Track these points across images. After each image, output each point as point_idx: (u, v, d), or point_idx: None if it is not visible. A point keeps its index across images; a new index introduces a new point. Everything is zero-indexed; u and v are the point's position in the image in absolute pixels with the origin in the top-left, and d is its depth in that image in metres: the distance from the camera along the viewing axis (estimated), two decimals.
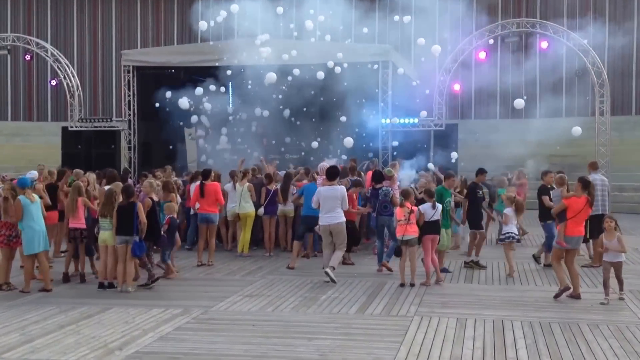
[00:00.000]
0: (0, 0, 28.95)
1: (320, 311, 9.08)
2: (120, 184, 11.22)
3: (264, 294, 10.15)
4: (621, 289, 9.51)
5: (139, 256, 10.46)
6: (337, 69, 16.25)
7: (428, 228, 10.72)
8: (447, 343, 7.48)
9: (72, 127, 19.87)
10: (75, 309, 9.05)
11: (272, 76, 15.22)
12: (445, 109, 18.96)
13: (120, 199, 10.54)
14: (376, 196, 11.79)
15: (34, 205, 10.36)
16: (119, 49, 21.70)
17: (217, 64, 17.12)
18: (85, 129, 19.78)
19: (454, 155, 16.69)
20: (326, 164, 13.22)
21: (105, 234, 10.57)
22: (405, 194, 10.76)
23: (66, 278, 11.15)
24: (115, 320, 8.51)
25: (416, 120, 18.22)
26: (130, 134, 19.60)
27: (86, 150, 19.68)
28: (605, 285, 9.40)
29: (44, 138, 26.80)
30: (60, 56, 20.04)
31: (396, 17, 17.95)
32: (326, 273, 10.74)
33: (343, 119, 16.96)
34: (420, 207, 10.79)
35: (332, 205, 10.86)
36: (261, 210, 13.30)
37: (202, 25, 16.82)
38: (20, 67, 28.55)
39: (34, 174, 12.85)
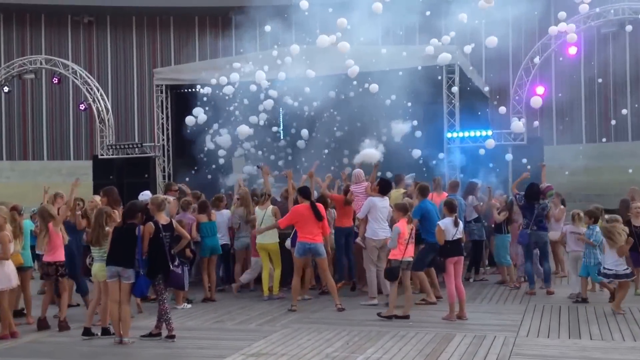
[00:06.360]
0: (32, 24, 27.80)
1: None
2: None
3: (277, 352, 7.01)
4: None
5: (141, 297, 8.14)
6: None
7: (451, 249, 8.50)
8: None
9: (102, 155, 17.57)
10: None
11: (244, 130, 13.43)
12: (526, 121, 15.28)
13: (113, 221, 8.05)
14: (531, 210, 10.02)
15: None
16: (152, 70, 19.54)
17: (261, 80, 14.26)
18: (116, 156, 17.40)
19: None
20: (359, 170, 10.61)
21: (96, 267, 8.03)
22: (402, 208, 8.82)
23: (42, 324, 8.52)
24: None
25: (490, 133, 14.64)
26: (164, 161, 17.08)
27: (118, 180, 17.23)
28: None
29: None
30: (89, 78, 17.91)
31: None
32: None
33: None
34: (439, 222, 8.66)
35: (384, 217, 9.62)
36: (288, 241, 10.07)
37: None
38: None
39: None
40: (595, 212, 9.55)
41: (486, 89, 17.96)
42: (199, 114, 14.08)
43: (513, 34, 17.04)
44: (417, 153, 13.83)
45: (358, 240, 9.73)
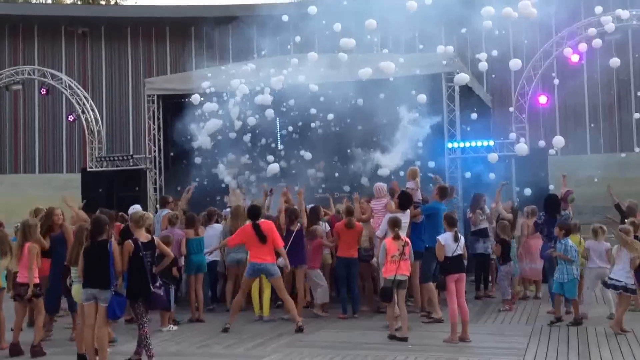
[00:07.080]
0: (25, 35, 27.52)
1: None
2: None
3: None
4: None
5: (114, 319, 7.38)
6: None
7: (451, 265, 7.99)
8: None
9: (90, 167, 17.06)
10: None
11: (274, 168, 13.10)
12: (528, 129, 14.78)
13: None
14: (554, 223, 9.43)
15: None
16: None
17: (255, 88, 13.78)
18: (106, 169, 16.88)
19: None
20: (381, 184, 10.07)
21: (75, 288, 7.57)
22: (391, 223, 8.30)
23: (15, 349, 7.95)
24: None
25: (491, 143, 14.11)
26: (155, 174, 16.57)
27: (108, 193, 16.72)
28: None
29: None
30: (78, 88, 17.44)
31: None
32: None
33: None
34: (439, 237, 8.17)
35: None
36: (281, 259, 9.33)
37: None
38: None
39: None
40: (568, 225, 9.11)
41: (488, 97, 17.52)
42: (211, 109, 13.47)
43: (514, 39, 16.61)
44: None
45: (373, 261, 9.08)
